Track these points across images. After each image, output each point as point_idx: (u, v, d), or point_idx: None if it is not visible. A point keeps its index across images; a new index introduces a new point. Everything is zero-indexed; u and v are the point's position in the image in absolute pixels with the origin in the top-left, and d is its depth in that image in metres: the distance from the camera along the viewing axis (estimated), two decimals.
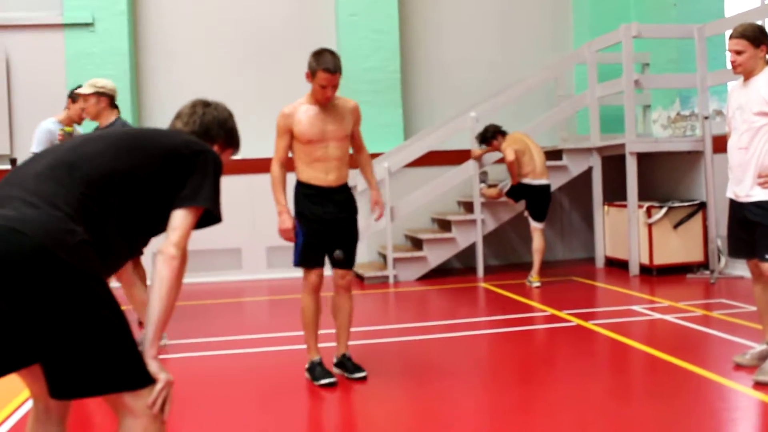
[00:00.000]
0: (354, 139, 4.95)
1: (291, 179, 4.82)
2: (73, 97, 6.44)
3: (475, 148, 9.14)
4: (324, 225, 4.75)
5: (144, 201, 2.34)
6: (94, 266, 2.12)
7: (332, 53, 4.68)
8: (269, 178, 4.80)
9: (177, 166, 2.40)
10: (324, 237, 4.77)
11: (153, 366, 2.23)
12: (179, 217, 2.36)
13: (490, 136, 8.53)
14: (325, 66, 4.59)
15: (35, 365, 2.14)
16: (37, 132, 6.41)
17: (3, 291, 1.99)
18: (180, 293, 2.36)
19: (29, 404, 4.52)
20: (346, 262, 4.85)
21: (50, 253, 2.01)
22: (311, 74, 4.66)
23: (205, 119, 2.68)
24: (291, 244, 4.84)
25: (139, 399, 2.17)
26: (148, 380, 2.19)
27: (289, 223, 4.72)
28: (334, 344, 4.99)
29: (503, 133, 8.50)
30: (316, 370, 4.78)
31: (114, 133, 2.52)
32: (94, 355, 2.07)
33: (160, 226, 2.39)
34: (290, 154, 4.86)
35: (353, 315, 4.99)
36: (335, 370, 4.92)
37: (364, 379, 4.80)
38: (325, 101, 4.72)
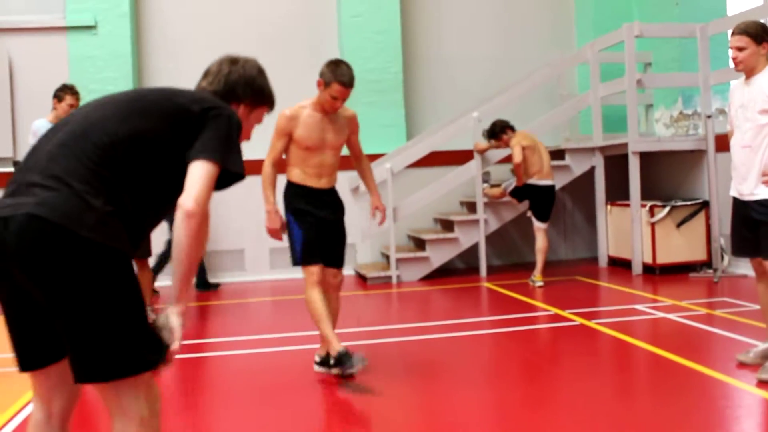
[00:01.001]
0: (353, 147, 4.98)
1: (281, 179, 4.86)
2: (58, 96, 6.85)
3: (480, 142, 9.12)
4: (317, 221, 4.78)
5: (158, 162, 2.28)
6: (120, 238, 2.14)
7: (348, 66, 4.67)
8: (262, 178, 4.82)
9: (187, 124, 2.32)
10: (319, 233, 4.79)
11: (174, 321, 2.25)
12: (191, 172, 2.25)
13: (499, 131, 8.45)
14: (341, 79, 4.59)
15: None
16: (36, 131, 6.58)
17: (34, 279, 2.05)
18: (203, 250, 2.31)
19: (28, 409, 4.54)
20: (337, 259, 4.87)
21: (71, 233, 2.04)
22: (324, 84, 4.64)
23: (231, 78, 2.59)
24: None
25: (135, 399, 2.16)
26: (153, 363, 2.18)
27: (277, 222, 4.74)
28: (317, 345, 4.99)
29: (512, 128, 8.45)
30: (346, 358, 4.58)
31: (123, 96, 2.43)
32: (115, 337, 2.09)
33: (179, 187, 2.29)
34: (283, 156, 4.88)
35: (339, 316, 4.99)
36: (318, 369, 4.93)
37: (351, 375, 4.76)
38: (332, 112, 4.73)
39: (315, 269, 4.76)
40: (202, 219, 2.22)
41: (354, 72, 4.71)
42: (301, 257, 4.79)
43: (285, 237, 4.89)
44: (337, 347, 4.64)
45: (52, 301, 2.06)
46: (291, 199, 4.84)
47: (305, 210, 4.78)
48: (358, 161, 5.10)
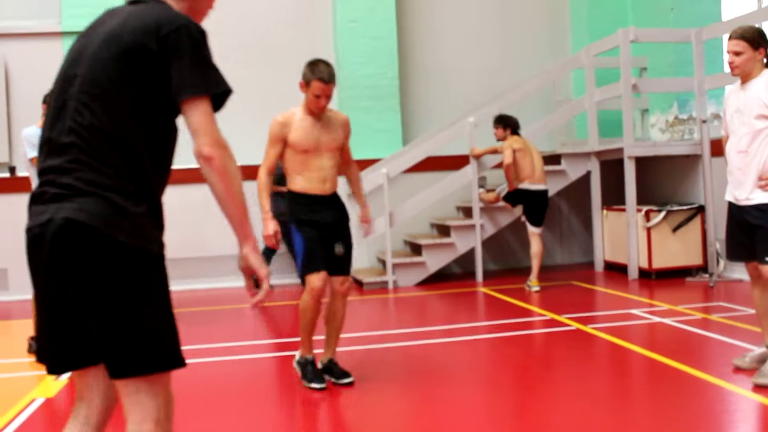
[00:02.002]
0: (343, 153, 4.96)
1: None
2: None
3: (475, 147, 9.13)
4: (323, 229, 4.77)
5: (152, 114, 2.22)
6: (151, 239, 2.17)
7: (327, 63, 4.70)
8: (257, 186, 4.79)
9: (153, 64, 2.19)
10: (324, 241, 4.78)
11: (254, 259, 2.28)
12: (189, 118, 2.20)
13: (508, 123, 8.36)
14: (319, 75, 4.62)
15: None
16: (28, 138, 6.44)
17: (72, 280, 2.12)
18: (241, 179, 2.26)
19: (32, 407, 4.53)
20: (344, 266, 4.86)
21: (108, 237, 2.09)
22: (305, 84, 4.68)
23: None
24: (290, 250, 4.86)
25: (154, 398, 2.19)
26: (181, 361, 2.22)
27: (272, 228, 4.70)
28: (320, 350, 4.99)
29: (514, 130, 8.36)
30: (308, 369, 4.81)
31: (89, 54, 2.26)
32: (147, 334, 2.14)
33: (174, 122, 2.28)
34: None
35: (344, 321, 5.00)
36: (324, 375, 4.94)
37: (350, 384, 4.79)
38: (318, 111, 4.73)
39: (316, 279, 4.72)
40: (224, 154, 2.20)
41: (334, 70, 4.72)
42: (300, 270, 4.81)
43: (282, 245, 4.88)
44: (306, 354, 4.86)
45: (88, 299, 2.12)
46: (293, 209, 4.82)
47: (308, 220, 4.76)
48: (347, 167, 5.07)
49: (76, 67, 2.27)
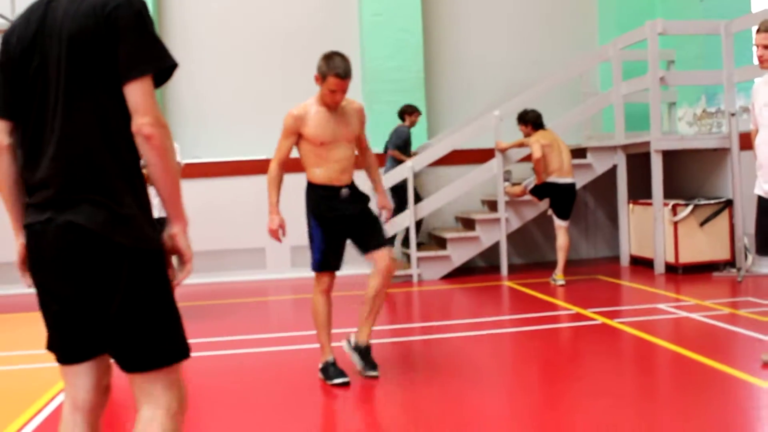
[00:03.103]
0: (360, 141, 4.93)
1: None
2: None
3: (500, 141, 9.11)
4: (345, 222, 4.76)
5: (111, 94, 2.17)
6: (147, 238, 2.19)
7: (343, 57, 4.62)
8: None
9: (104, 44, 2.14)
10: (347, 233, 4.79)
11: (182, 240, 2.26)
12: (130, 97, 2.14)
13: (526, 119, 8.35)
14: (335, 71, 4.55)
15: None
16: None
17: (78, 282, 2.15)
18: (175, 159, 2.23)
19: (54, 403, 4.59)
20: (378, 242, 4.76)
21: (106, 239, 2.12)
22: (321, 78, 4.62)
23: None
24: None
25: (167, 390, 2.23)
26: (188, 352, 2.28)
27: (276, 223, 4.69)
28: (352, 329, 5.01)
29: (539, 124, 8.36)
30: (330, 369, 4.80)
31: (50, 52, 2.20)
32: (156, 330, 2.20)
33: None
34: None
35: (383, 306, 4.92)
36: (349, 354, 4.94)
37: (375, 377, 4.79)
38: (334, 105, 4.69)
39: (325, 278, 4.81)
40: (164, 133, 2.16)
41: (350, 63, 4.64)
42: (314, 265, 4.84)
43: (284, 238, 4.85)
44: (326, 357, 4.86)
45: (92, 300, 2.16)
46: (314, 202, 4.79)
47: (329, 215, 4.74)
48: (363, 155, 5.03)
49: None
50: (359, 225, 4.80)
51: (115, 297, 2.14)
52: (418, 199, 9.27)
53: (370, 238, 4.78)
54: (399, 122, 9.58)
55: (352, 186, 4.84)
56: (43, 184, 2.18)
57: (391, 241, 4.79)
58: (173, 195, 2.23)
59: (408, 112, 9.54)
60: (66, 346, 2.31)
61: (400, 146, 9.43)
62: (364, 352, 4.90)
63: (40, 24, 2.21)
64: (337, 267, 4.84)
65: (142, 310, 2.17)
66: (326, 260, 4.80)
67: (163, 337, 2.22)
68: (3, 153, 2.28)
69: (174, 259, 2.31)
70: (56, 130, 2.16)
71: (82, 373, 2.34)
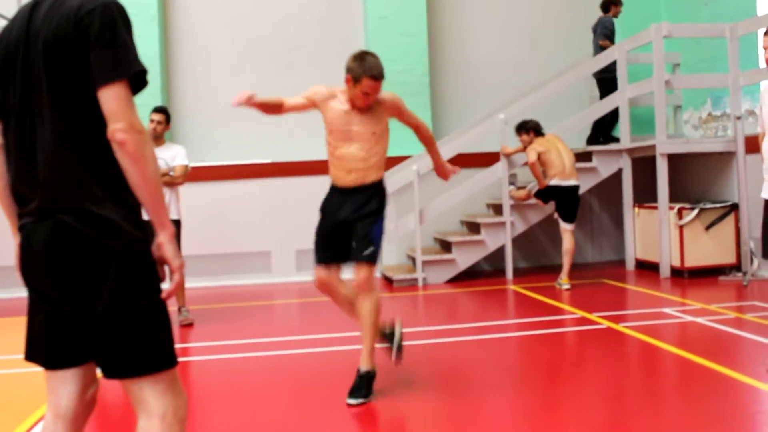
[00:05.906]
0: (407, 123, 4.78)
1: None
2: None
3: (506, 146, 9.12)
4: (335, 224, 4.60)
5: (88, 98, 2.15)
6: (136, 240, 2.17)
7: (375, 57, 4.42)
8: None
9: (78, 50, 2.13)
10: (334, 235, 4.62)
11: (169, 249, 2.21)
12: (104, 104, 2.11)
13: (528, 127, 8.44)
14: (370, 72, 4.34)
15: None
16: None
17: (65, 285, 2.13)
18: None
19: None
20: (357, 253, 4.52)
21: (94, 241, 2.11)
22: (353, 79, 4.38)
23: None
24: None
25: (160, 396, 2.20)
26: (175, 360, 2.24)
27: (244, 96, 4.42)
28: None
29: (538, 132, 8.41)
30: (357, 381, 4.55)
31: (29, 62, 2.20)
32: (142, 335, 2.16)
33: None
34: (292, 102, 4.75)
35: (373, 322, 4.53)
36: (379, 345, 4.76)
37: (352, 405, 4.43)
38: (365, 107, 4.51)
39: (318, 269, 4.65)
40: (139, 138, 2.11)
41: (382, 63, 4.47)
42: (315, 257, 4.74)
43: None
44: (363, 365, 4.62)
45: (78, 303, 2.13)
46: (325, 198, 4.72)
47: (325, 212, 4.68)
48: (417, 133, 4.88)
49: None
50: (348, 232, 4.58)
51: (100, 298, 2.11)
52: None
53: (354, 249, 4.55)
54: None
55: (363, 190, 4.60)
56: (28, 191, 2.20)
57: (373, 258, 4.56)
58: (154, 203, 2.17)
59: (614, 2, 10.09)
60: (52, 350, 2.29)
61: (608, 35, 9.90)
62: (360, 377, 4.55)
63: (25, 28, 2.21)
64: (324, 260, 4.63)
65: (125, 314, 2.12)
66: (315, 253, 4.68)
67: (145, 343, 2.16)
68: None
69: (167, 269, 2.28)
70: (36, 135, 2.17)
71: (68, 380, 2.32)
